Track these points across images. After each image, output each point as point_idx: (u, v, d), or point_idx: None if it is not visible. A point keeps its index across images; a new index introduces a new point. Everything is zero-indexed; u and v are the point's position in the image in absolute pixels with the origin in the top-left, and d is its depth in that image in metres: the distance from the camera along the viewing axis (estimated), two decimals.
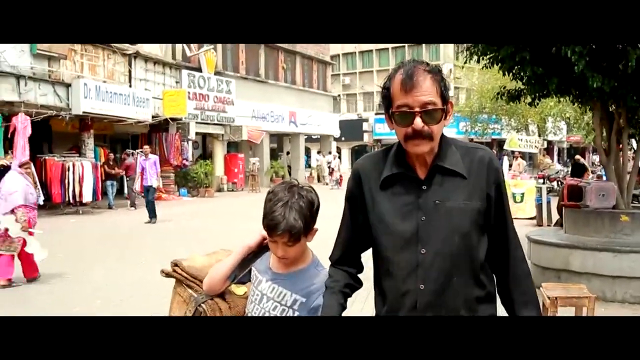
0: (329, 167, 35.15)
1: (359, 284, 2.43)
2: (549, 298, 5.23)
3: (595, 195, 8.05)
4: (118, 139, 26.80)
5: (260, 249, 2.53)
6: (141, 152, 18.48)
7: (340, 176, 32.74)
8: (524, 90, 8.82)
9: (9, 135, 17.25)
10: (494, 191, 2.19)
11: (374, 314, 2.36)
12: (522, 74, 8.09)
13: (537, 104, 9.07)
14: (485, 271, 2.23)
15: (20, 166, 9.54)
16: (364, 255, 2.41)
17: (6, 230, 8.54)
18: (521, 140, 24.16)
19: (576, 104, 9.61)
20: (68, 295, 8.22)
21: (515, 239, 2.26)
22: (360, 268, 2.44)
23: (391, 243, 2.20)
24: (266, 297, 2.42)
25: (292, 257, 2.39)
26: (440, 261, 2.13)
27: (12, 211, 8.63)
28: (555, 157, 50.26)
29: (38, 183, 16.81)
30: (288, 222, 2.26)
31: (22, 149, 16.93)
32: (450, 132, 41.68)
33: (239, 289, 2.57)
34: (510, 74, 8.32)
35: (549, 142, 47.25)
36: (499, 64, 8.11)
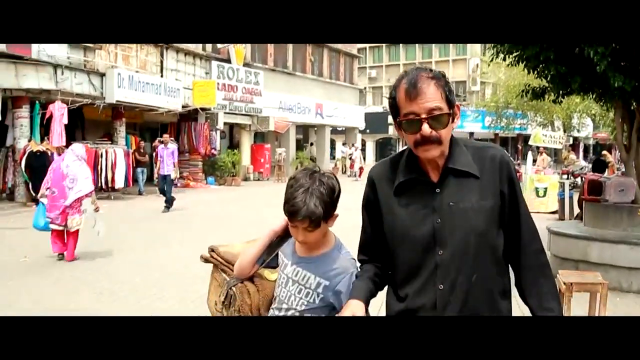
0: (350, 159, 35.54)
1: (386, 279, 2.47)
2: (564, 284, 5.57)
3: (614, 190, 8.35)
4: (147, 127, 27.32)
5: (286, 234, 2.55)
6: (161, 140, 18.74)
7: (361, 168, 33.04)
8: (548, 88, 9.14)
9: (44, 122, 17.88)
10: (507, 187, 2.23)
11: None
12: (546, 72, 8.42)
13: (561, 101, 9.39)
14: (503, 267, 2.27)
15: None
16: None
17: (77, 209, 9.55)
18: (545, 136, 24.36)
19: (599, 102, 9.91)
20: (113, 271, 8.81)
21: (531, 231, 2.29)
22: (385, 266, 2.46)
23: (408, 248, 2.24)
24: (292, 280, 2.48)
25: (312, 242, 2.44)
26: (458, 261, 2.18)
27: (87, 195, 9.66)
28: (581, 154, 50.11)
29: None
30: (309, 208, 2.30)
31: (58, 136, 17.57)
32: (475, 127, 41.86)
33: (272, 275, 2.62)
34: (535, 72, 8.65)
35: (575, 139, 47.19)
36: (524, 62, 8.44)
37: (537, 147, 27.48)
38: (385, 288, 2.46)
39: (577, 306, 5.84)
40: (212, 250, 2.77)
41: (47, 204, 9.56)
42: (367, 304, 2.33)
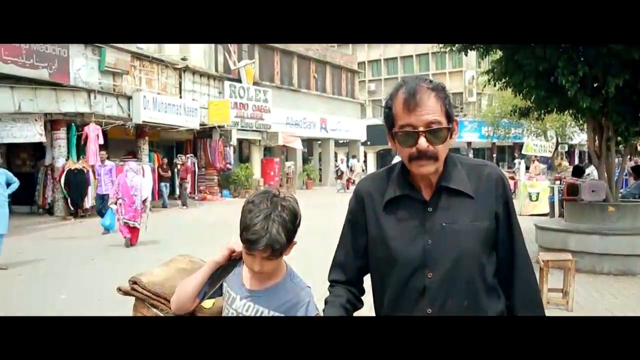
0: (337, 171, 36.51)
1: (360, 304, 2.33)
2: (543, 262, 7.31)
3: (588, 191, 10.10)
4: (164, 145, 29.08)
5: (230, 263, 2.35)
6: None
7: (349, 180, 33.81)
8: (532, 108, 10.95)
9: (81, 142, 19.61)
10: (502, 209, 2.13)
11: None
12: (529, 95, 10.22)
13: (543, 118, 11.19)
14: (496, 291, 2.16)
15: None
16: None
17: (142, 210, 13.12)
18: (536, 145, 26.19)
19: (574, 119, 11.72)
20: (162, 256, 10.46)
21: (524, 255, 2.19)
22: (360, 290, 2.35)
23: (396, 269, 2.11)
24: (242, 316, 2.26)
25: (269, 272, 2.23)
26: (448, 286, 2.06)
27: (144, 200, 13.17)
28: (577, 160, 51.71)
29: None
30: (271, 236, 2.08)
31: (94, 155, 19.25)
32: (473, 136, 43.33)
33: (206, 303, 2.39)
34: (521, 94, 10.45)
35: (570, 146, 48.83)
36: (512, 88, 10.23)
37: (533, 156, 29.41)
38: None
39: (552, 280, 7.64)
40: (134, 282, 2.44)
41: (120, 209, 12.86)
42: None
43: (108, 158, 18.63)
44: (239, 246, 2.26)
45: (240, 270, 2.33)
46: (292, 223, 2.15)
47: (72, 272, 10.29)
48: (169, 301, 2.36)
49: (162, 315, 2.39)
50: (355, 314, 2.32)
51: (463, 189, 2.10)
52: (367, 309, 2.36)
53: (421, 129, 2.00)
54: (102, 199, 16.67)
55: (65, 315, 6.42)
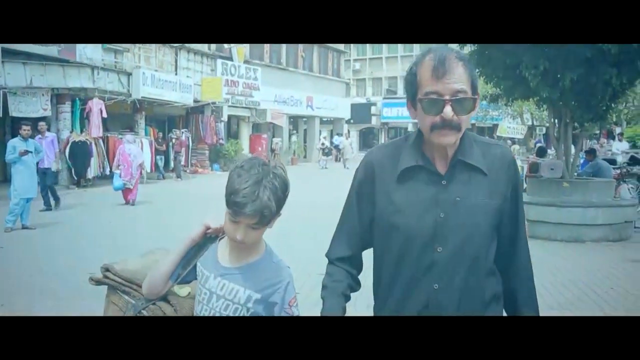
0: (325, 149, 37.39)
1: (358, 286, 2.27)
2: None
3: (547, 169, 11.66)
4: (157, 119, 30.20)
5: (204, 242, 2.24)
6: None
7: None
8: (500, 95, 12.48)
9: (84, 116, 20.81)
10: (511, 190, 2.11)
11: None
12: (499, 85, 11.75)
13: (511, 105, 12.70)
14: (495, 270, 2.15)
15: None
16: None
17: (139, 173, 16.33)
18: (509, 127, 27.79)
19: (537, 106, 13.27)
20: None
21: (525, 240, 2.20)
22: (360, 268, 2.29)
23: (405, 240, 2.07)
24: (216, 296, 2.14)
25: (250, 243, 2.12)
26: (457, 261, 2.03)
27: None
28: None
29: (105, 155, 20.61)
30: (262, 201, 1.99)
31: (96, 128, 20.53)
32: None
33: (181, 290, 2.29)
34: (491, 83, 11.95)
35: (547, 128, 50.46)
36: (483, 77, 11.71)
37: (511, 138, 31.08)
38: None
39: None
40: (106, 269, 2.38)
41: (121, 173, 15.60)
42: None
43: (49, 130, 16.55)
44: (215, 222, 2.21)
45: (215, 247, 2.22)
46: (282, 192, 2.08)
47: (93, 228, 11.70)
48: (140, 287, 2.27)
49: (133, 302, 2.28)
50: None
51: (479, 165, 2.07)
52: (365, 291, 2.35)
53: (447, 97, 1.94)
54: (44, 174, 14.11)
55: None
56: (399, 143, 2.21)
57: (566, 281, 8.08)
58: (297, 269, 2.65)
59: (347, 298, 2.20)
